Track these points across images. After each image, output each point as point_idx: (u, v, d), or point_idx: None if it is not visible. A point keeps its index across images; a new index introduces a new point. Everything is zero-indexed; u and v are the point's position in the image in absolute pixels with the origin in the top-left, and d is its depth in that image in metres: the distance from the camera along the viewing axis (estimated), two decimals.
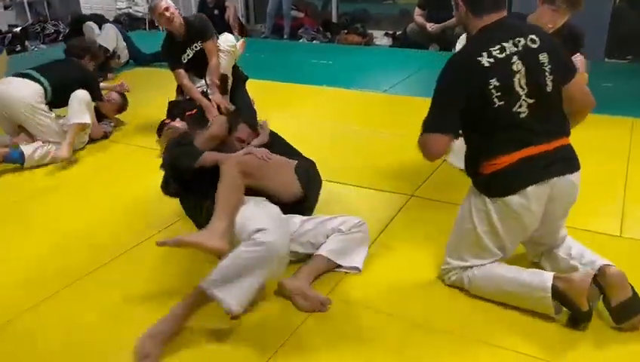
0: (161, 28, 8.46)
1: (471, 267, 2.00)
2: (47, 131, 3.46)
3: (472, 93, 1.83)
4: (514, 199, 1.84)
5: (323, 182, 2.47)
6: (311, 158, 2.49)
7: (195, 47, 3.75)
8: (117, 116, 4.10)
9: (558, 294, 1.81)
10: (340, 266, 2.18)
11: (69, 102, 3.49)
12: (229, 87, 3.88)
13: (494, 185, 1.88)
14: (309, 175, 2.34)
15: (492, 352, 1.78)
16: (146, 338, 1.76)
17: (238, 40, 4.20)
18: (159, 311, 1.87)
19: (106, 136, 3.87)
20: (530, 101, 1.83)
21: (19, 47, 7.22)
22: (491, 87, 1.80)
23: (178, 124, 3.48)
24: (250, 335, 1.88)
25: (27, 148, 3.36)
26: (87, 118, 3.51)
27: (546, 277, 1.85)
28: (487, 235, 1.94)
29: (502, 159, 1.84)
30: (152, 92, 4.66)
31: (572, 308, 1.81)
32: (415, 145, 3.28)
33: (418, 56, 6.03)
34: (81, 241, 2.50)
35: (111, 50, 5.48)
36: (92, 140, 3.75)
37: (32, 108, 3.39)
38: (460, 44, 4.20)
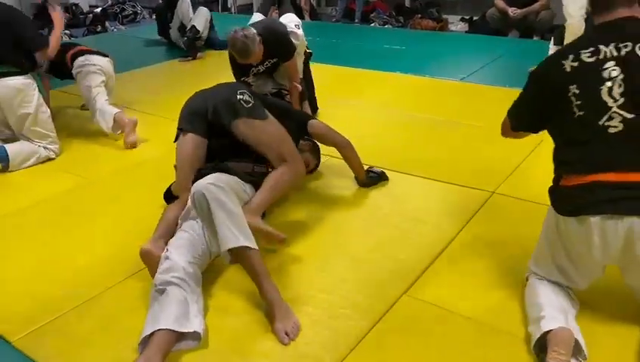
0: (233, 9, 8.59)
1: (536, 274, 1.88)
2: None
3: (550, 101, 1.68)
4: (574, 223, 1.64)
5: (395, 173, 2.36)
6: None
7: (268, 63, 3.31)
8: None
9: (539, 344, 1.62)
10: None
11: None
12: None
13: (560, 201, 1.70)
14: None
15: None
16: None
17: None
18: (241, 285, 1.86)
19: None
20: (629, 116, 1.56)
21: (99, 28, 7.49)
22: (570, 94, 1.62)
23: None
24: (323, 334, 1.82)
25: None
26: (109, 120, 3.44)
27: (552, 323, 1.62)
28: (548, 248, 1.79)
29: (577, 178, 1.64)
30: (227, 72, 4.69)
31: None
32: (496, 137, 3.09)
33: (496, 44, 5.74)
34: None
35: (200, 32, 5.57)
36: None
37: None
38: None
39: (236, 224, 1.87)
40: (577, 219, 1.62)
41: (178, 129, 2.36)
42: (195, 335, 1.73)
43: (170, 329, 1.66)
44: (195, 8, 5.68)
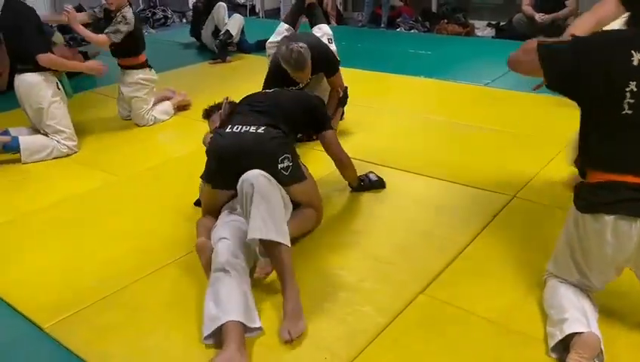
0: (260, 14, 8.71)
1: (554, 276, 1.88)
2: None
3: (598, 84, 1.58)
4: (590, 220, 1.65)
5: (417, 175, 2.38)
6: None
7: (309, 80, 3.29)
8: None
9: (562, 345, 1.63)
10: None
11: None
12: None
13: (580, 198, 1.70)
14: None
15: None
16: None
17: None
18: (258, 281, 1.92)
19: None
20: None
21: None
22: (628, 89, 1.55)
23: None
24: (340, 330, 1.87)
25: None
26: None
27: (576, 325, 1.63)
28: (567, 245, 1.78)
29: (600, 175, 1.63)
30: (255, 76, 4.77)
31: None
32: (519, 142, 3.08)
33: None
34: (192, 217, 2.51)
35: (234, 36, 5.71)
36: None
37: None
38: None
39: (273, 218, 1.93)
40: (593, 217, 1.64)
41: (207, 182, 2.29)
42: (258, 329, 1.82)
43: (242, 323, 1.76)
44: (228, 14, 5.80)
